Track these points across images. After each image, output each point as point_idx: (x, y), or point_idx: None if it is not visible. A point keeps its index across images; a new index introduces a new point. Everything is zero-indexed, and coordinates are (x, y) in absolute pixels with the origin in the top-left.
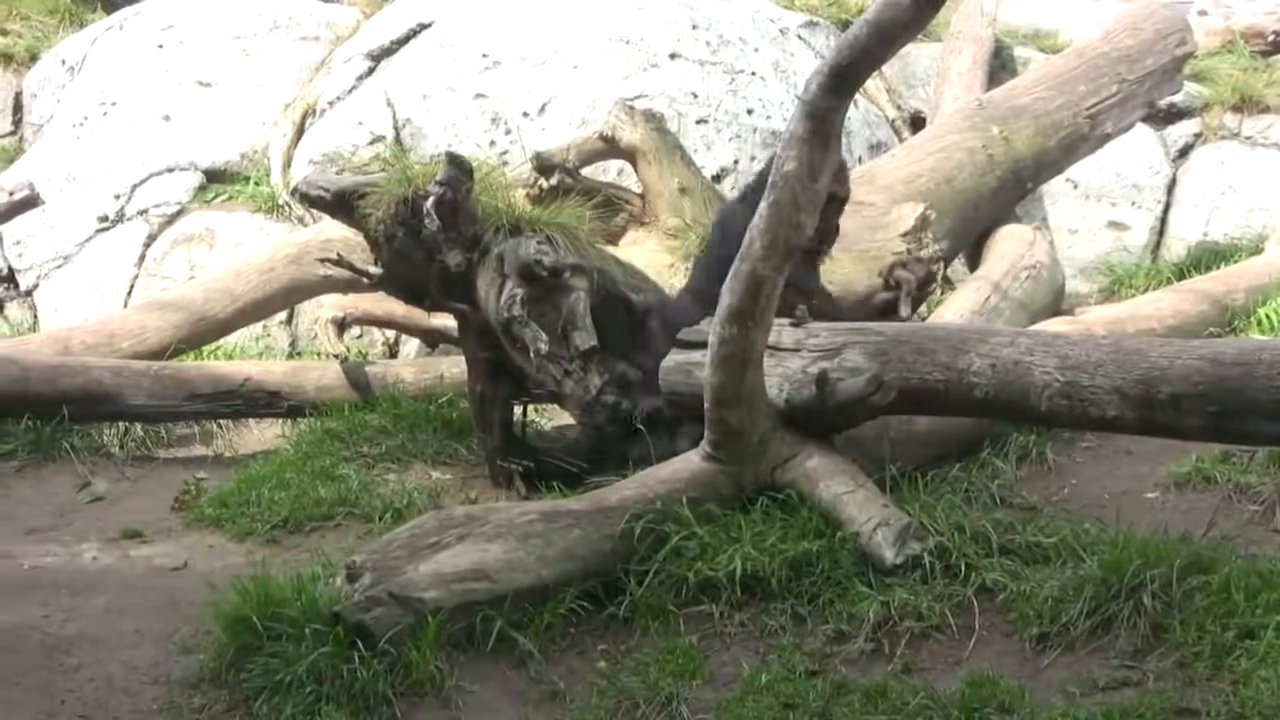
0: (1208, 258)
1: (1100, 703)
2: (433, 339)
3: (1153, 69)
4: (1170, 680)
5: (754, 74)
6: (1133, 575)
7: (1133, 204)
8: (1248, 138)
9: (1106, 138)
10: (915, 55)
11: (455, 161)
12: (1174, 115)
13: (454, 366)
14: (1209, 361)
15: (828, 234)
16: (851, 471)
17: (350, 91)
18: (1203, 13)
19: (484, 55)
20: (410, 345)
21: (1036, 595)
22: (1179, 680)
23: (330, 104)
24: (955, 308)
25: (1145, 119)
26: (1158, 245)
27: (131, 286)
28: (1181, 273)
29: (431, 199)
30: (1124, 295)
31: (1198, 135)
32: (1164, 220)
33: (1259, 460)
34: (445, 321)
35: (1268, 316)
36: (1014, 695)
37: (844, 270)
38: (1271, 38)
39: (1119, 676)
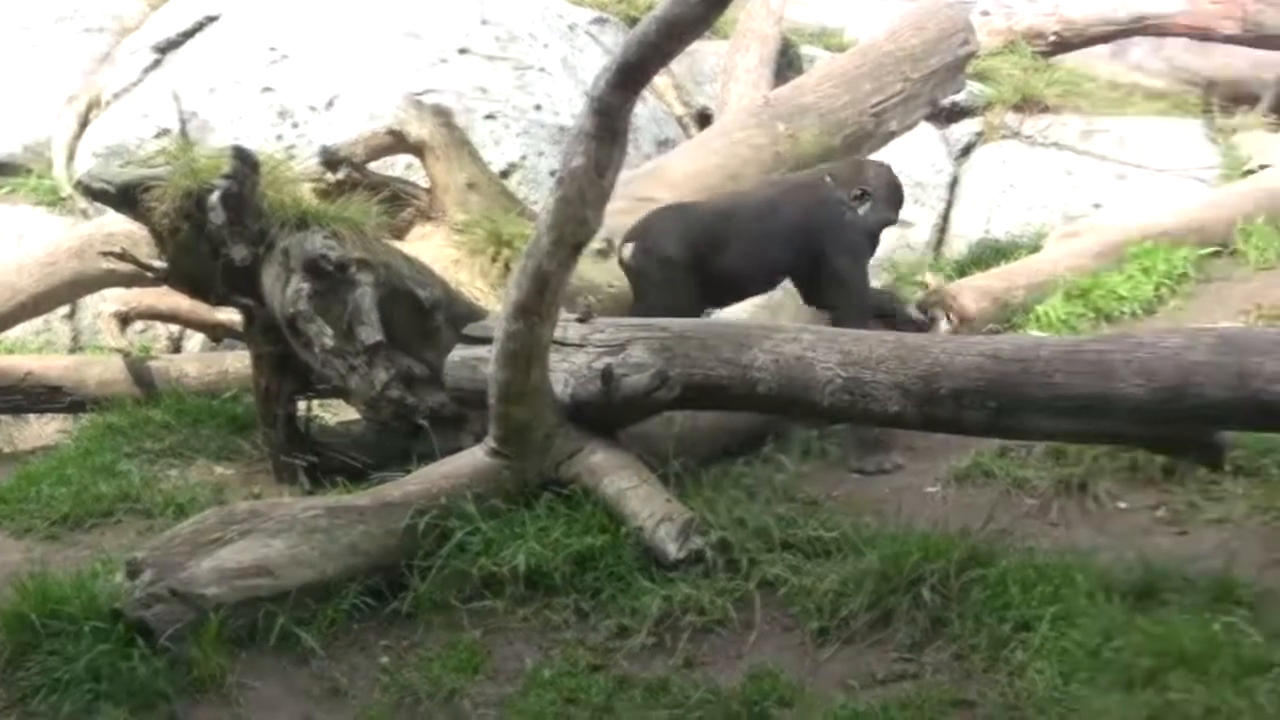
0: (989, 255)
1: (879, 695)
2: (218, 334)
3: (936, 68)
4: (948, 672)
5: (543, 70)
6: (912, 569)
7: (916, 201)
8: (1028, 137)
9: (891, 136)
10: (703, 52)
11: (241, 155)
12: (957, 114)
13: (239, 361)
14: (988, 358)
15: None
16: (636, 467)
17: (136, 84)
18: (985, 13)
19: (272, 49)
20: (195, 340)
21: (817, 589)
22: (956, 672)
23: (115, 96)
24: (742, 303)
25: (929, 117)
26: (940, 242)
27: None
28: (963, 269)
29: (217, 193)
30: (908, 291)
31: (980, 134)
32: (946, 218)
33: (1036, 455)
34: (230, 316)
35: (1046, 313)
36: (794, 689)
37: None
38: (1052, 38)
39: (898, 669)
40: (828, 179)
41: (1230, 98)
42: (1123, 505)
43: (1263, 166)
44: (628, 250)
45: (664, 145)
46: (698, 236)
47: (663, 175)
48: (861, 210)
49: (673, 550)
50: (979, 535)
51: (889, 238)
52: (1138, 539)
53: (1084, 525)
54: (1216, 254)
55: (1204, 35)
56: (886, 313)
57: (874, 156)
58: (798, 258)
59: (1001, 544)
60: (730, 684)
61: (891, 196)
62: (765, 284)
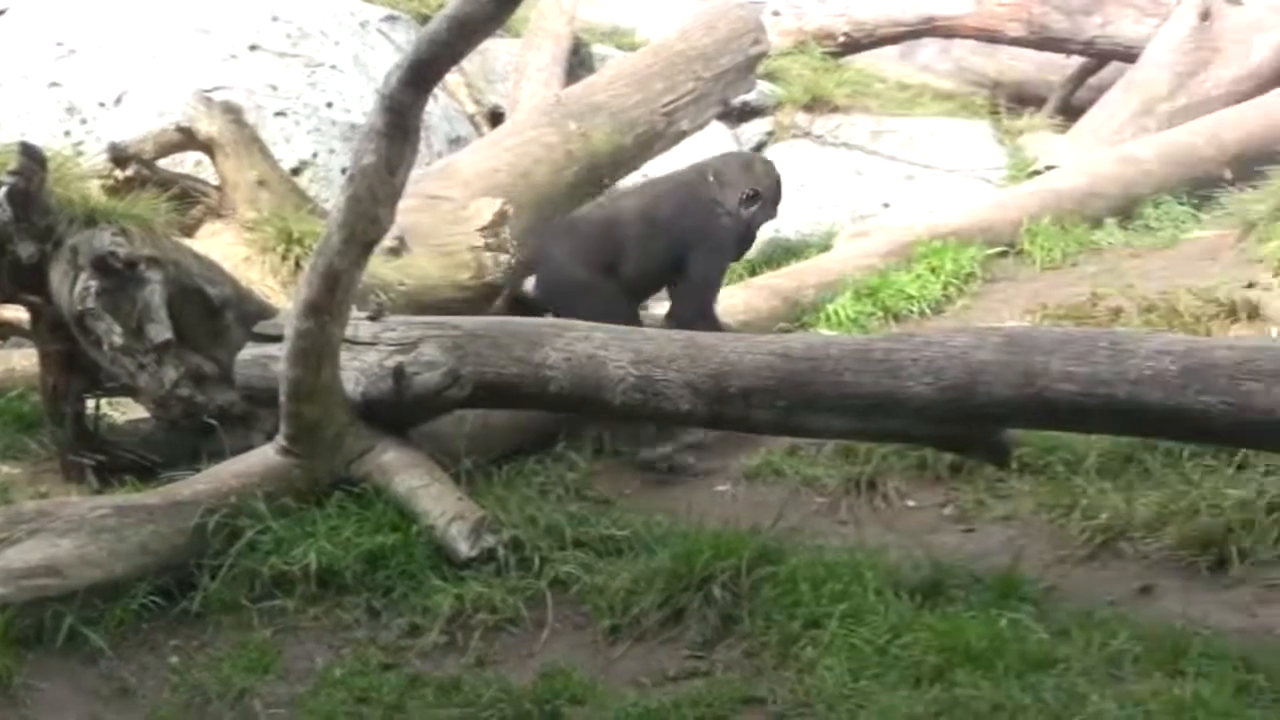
0: (779, 254)
1: (670, 693)
2: (4, 332)
3: (727, 67)
4: (738, 670)
5: (334, 67)
6: (703, 567)
7: None
8: (818, 136)
9: (682, 135)
10: (495, 51)
11: (28, 151)
12: (748, 113)
13: (25, 359)
14: (779, 356)
15: None
16: (427, 465)
17: None
18: (776, 13)
19: (59, 44)
20: None
21: (609, 587)
22: (747, 669)
23: None
24: None
25: (720, 116)
26: None
27: None
28: (754, 269)
29: (3, 190)
30: None
31: (770, 133)
32: None
33: (826, 453)
34: (17, 314)
35: (836, 312)
36: (586, 686)
37: (421, 265)
38: (842, 39)
39: (689, 667)
40: (711, 178)
41: (1017, 99)
42: (911, 503)
43: (1049, 167)
44: (530, 285)
45: (456, 143)
46: (594, 253)
47: (454, 173)
48: (749, 211)
49: (465, 548)
50: (769, 533)
51: None
52: (926, 536)
53: (873, 523)
54: (1003, 254)
55: (991, 37)
56: None
57: (666, 155)
58: (678, 260)
59: (791, 542)
60: (522, 682)
61: (776, 195)
62: (657, 289)
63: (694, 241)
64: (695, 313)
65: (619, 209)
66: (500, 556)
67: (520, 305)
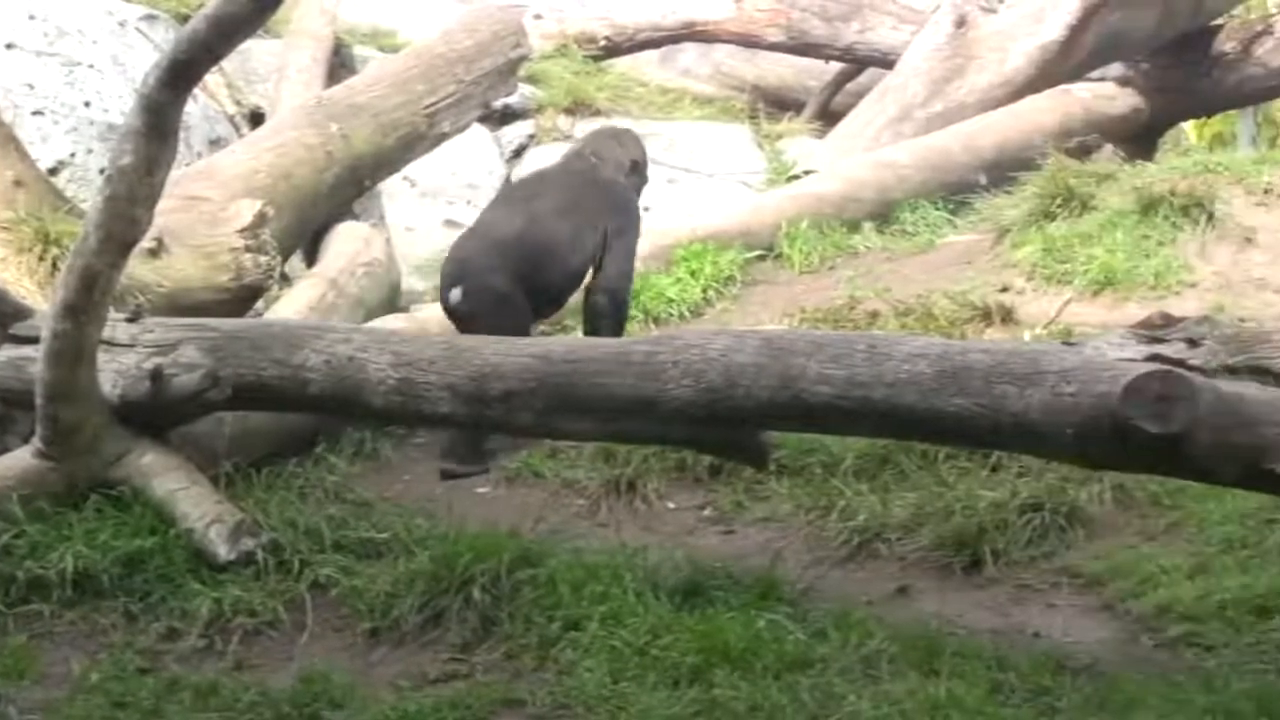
0: None
1: (430, 695)
2: None
3: (489, 70)
4: (498, 672)
5: (92, 66)
6: (463, 569)
7: (468, 203)
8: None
9: (444, 137)
10: (256, 51)
11: None
12: (509, 116)
13: None
14: (539, 359)
15: None
16: (186, 468)
17: None
18: (538, 16)
19: None
20: None
21: (369, 590)
22: (507, 672)
23: None
24: (293, 304)
25: (481, 119)
26: None
27: None
28: None
29: None
30: None
31: (532, 136)
32: None
33: (586, 455)
34: None
35: None
36: (345, 690)
37: (181, 267)
38: (603, 42)
39: (449, 669)
40: (594, 160)
41: (776, 104)
42: (670, 505)
43: (807, 172)
44: (455, 296)
45: (216, 144)
46: (517, 262)
47: (214, 174)
48: (633, 181)
49: (223, 552)
50: (529, 535)
51: (441, 238)
52: (685, 538)
53: (632, 525)
54: (762, 257)
55: (751, 42)
56: None
57: (428, 158)
58: (597, 249)
59: (551, 544)
60: (281, 686)
61: (645, 159)
62: (579, 283)
63: (619, 227)
64: (617, 302)
65: (533, 213)
66: (259, 559)
67: (452, 316)
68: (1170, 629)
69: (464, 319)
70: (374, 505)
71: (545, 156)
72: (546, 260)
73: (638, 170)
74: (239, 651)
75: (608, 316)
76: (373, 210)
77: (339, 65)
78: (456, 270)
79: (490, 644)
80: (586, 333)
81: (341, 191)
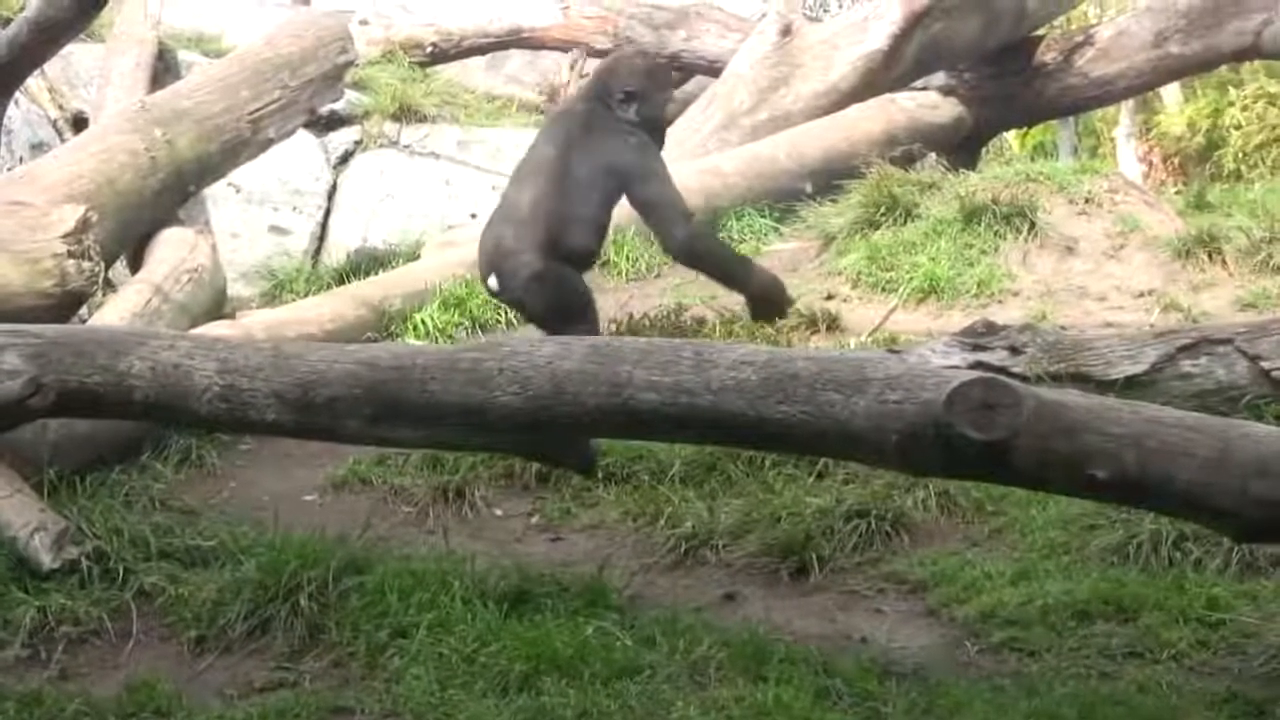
0: (367, 263)
1: (257, 704)
2: None
3: (314, 76)
4: (326, 680)
5: None
6: (290, 577)
7: (294, 209)
8: (406, 146)
9: (269, 142)
10: (79, 55)
11: None
12: (335, 122)
13: None
14: (366, 366)
15: None
16: (8, 475)
17: None
18: (364, 22)
19: None
20: None
21: (195, 598)
22: (335, 680)
23: None
24: (117, 310)
25: (307, 125)
26: (319, 250)
27: None
28: (342, 277)
29: None
30: (285, 299)
31: (358, 142)
32: (325, 226)
33: (413, 462)
34: None
35: (423, 322)
36: (171, 698)
37: (3, 272)
38: (430, 49)
39: (276, 677)
40: (585, 105)
41: None
42: (498, 512)
43: None
44: (493, 284)
45: (38, 148)
46: (540, 235)
47: (36, 179)
48: (632, 111)
49: (47, 560)
50: (356, 543)
51: (267, 245)
52: (513, 545)
53: (460, 532)
54: None
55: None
56: None
57: (253, 163)
58: (612, 196)
59: (379, 551)
60: (107, 695)
61: (651, 82)
62: (603, 235)
63: (632, 172)
64: (683, 223)
65: (540, 183)
66: (84, 567)
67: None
68: (994, 634)
69: (511, 305)
70: (200, 513)
71: (371, 163)
72: (564, 227)
73: (635, 98)
74: (64, 660)
75: (692, 255)
76: (198, 216)
77: (163, 70)
78: (487, 259)
79: (318, 652)
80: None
81: (166, 197)
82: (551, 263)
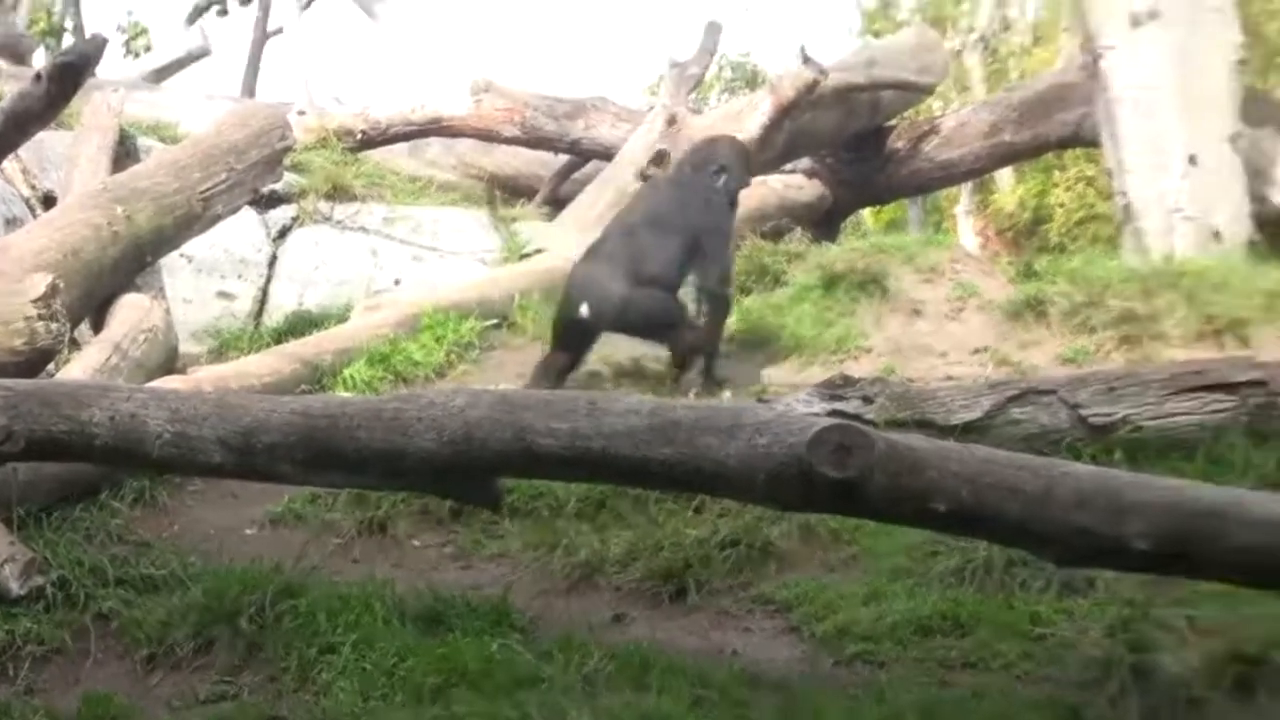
0: (303, 325)
1: (201, 714)
2: None
3: (257, 159)
4: (263, 692)
5: None
6: (232, 601)
7: (239, 277)
8: (338, 221)
9: (217, 218)
10: (49, 141)
11: None
12: (276, 200)
13: None
14: (301, 415)
15: None
16: None
17: None
18: (302, 112)
19: None
20: None
21: (147, 621)
22: (270, 692)
23: None
24: (81, 366)
25: (251, 203)
26: (260, 313)
27: None
28: (280, 337)
29: None
30: (230, 356)
31: (295, 218)
32: (266, 291)
33: (342, 500)
34: None
35: (351, 376)
36: (125, 710)
37: None
38: (360, 135)
39: (218, 691)
40: (687, 170)
41: (511, 190)
42: (416, 543)
43: (537, 250)
44: (584, 311)
45: (12, 223)
46: (629, 265)
47: (9, 250)
48: (721, 181)
49: (15, 588)
50: (291, 571)
51: (215, 308)
52: (429, 572)
53: (383, 561)
54: (498, 326)
55: (489, 136)
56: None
57: (203, 236)
58: (688, 246)
59: (311, 578)
60: (67, 707)
61: (739, 162)
62: (680, 273)
63: (706, 226)
64: (718, 287)
65: (630, 227)
66: (49, 594)
67: (580, 329)
68: (848, 648)
69: (592, 331)
70: (153, 545)
71: (307, 236)
72: (643, 262)
73: (727, 171)
74: (29, 677)
75: (711, 295)
76: (153, 283)
77: (124, 154)
78: (577, 291)
79: (255, 667)
80: (705, 316)
81: (126, 266)
82: (638, 289)
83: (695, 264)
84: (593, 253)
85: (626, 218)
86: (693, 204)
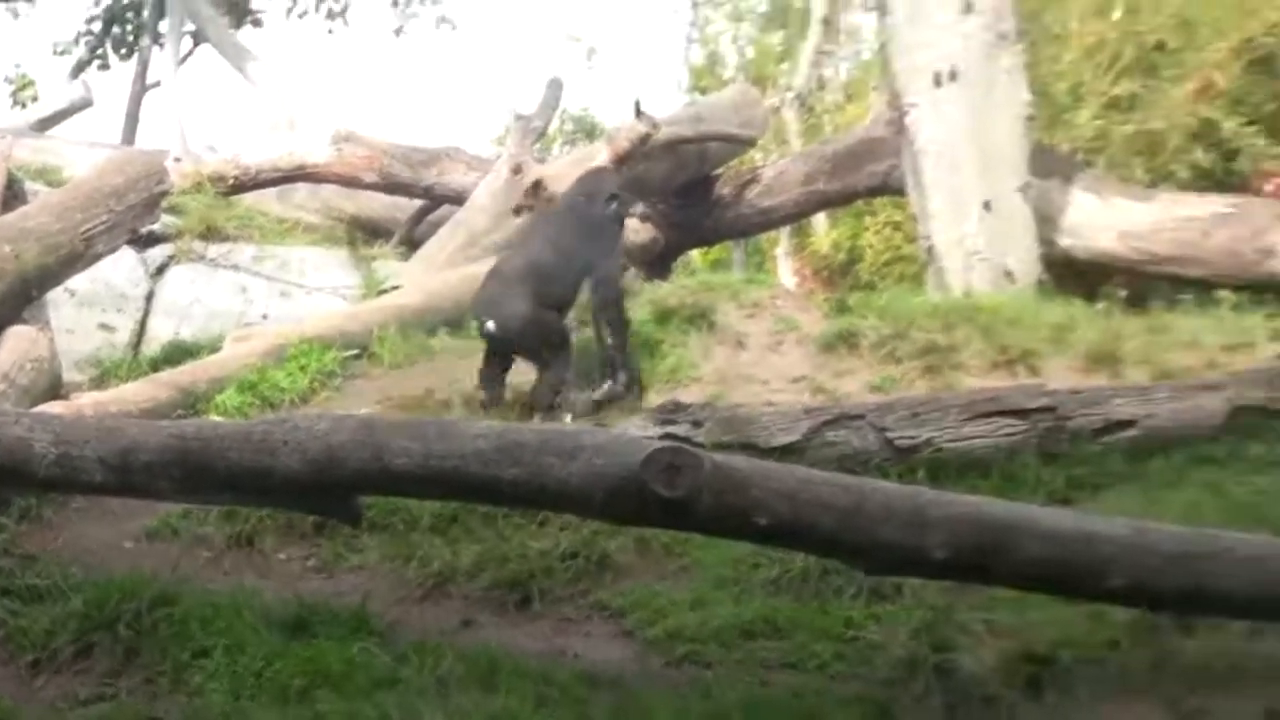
0: (178, 355)
1: (82, 715)
2: None
3: (136, 202)
4: (140, 694)
5: None
6: (111, 609)
7: (119, 310)
8: (211, 260)
9: (98, 256)
10: None
11: None
12: (154, 240)
13: None
14: (176, 438)
15: None
16: None
17: None
18: (178, 159)
19: None
20: None
21: (32, 628)
22: (147, 694)
23: None
24: None
25: (130, 242)
26: (139, 344)
27: None
28: (157, 366)
29: None
30: (111, 384)
31: (172, 256)
32: (144, 324)
33: (213, 516)
34: None
35: (223, 402)
36: (11, 712)
37: None
38: (232, 180)
39: (98, 692)
40: (579, 199)
41: (370, 232)
42: (282, 556)
43: (394, 287)
44: (490, 327)
45: None
46: (533, 286)
47: None
48: (611, 208)
49: None
50: (166, 581)
51: (96, 339)
52: (294, 583)
53: (251, 572)
54: (358, 356)
55: (350, 182)
56: None
57: (85, 273)
58: (586, 266)
59: (185, 588)
60: None
61: (626, 192)
62: (576, 290)
63: (600, 248)
64: (610, 298)
65: (532, 249)
66: None
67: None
68: (677, 650)
69: (504, 342)
70: (38, 558)
71: (182, 274)
72: (546, 282)
73: (617, 200)
74: None
75: (607, 309)
76: (40, 316)
77: (12, 197)
78: (484, 307)
79: (133, 671)
80: (596, 326)
81: (13, 301)
82: (539, 308)
83: (591, 284)
84: (495, 274)
85: (527, 242)
86: (587, 230)
